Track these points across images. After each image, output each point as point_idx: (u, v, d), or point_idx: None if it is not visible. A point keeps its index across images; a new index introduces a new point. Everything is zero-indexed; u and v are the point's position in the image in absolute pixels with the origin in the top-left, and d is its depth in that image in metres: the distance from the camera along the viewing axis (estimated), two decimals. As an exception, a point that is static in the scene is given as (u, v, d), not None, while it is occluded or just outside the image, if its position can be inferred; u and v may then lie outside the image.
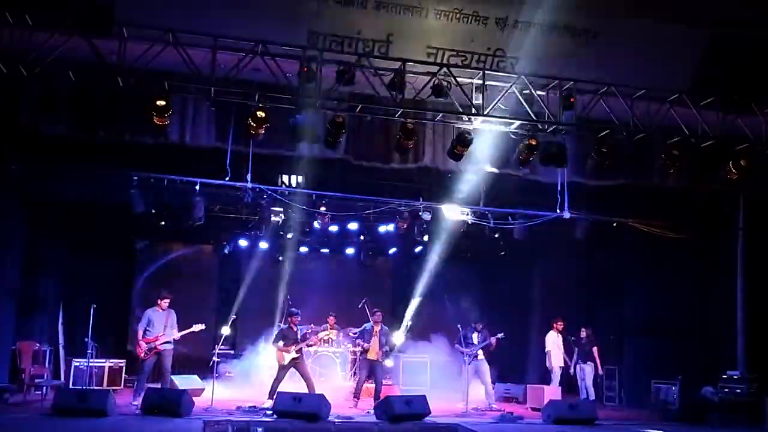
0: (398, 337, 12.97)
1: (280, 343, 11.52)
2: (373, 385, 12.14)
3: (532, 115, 10.25)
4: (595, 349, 13.21)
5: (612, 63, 10.21)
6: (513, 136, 10.65)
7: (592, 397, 13.02)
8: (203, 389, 12.55)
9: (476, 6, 9.80)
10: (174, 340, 11.31)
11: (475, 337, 12.73)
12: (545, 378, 13.99)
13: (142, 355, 11.13)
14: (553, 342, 13.39)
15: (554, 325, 13.48)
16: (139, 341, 11.15)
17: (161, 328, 11.15)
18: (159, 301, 11.39)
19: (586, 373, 13.15)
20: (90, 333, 11.06)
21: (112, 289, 14.81)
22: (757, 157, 10.81)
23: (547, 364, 13.41)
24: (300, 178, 11.98)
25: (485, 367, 12.69)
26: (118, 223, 14.30)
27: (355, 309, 14.75)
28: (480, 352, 12.67)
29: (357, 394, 12.11)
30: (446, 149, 10.61)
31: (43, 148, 10.61)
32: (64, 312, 13.57)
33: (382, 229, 15.10)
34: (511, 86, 10.07)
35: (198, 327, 11.49)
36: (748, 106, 10.24)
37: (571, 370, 13.40)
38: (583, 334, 13.33)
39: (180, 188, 12.23)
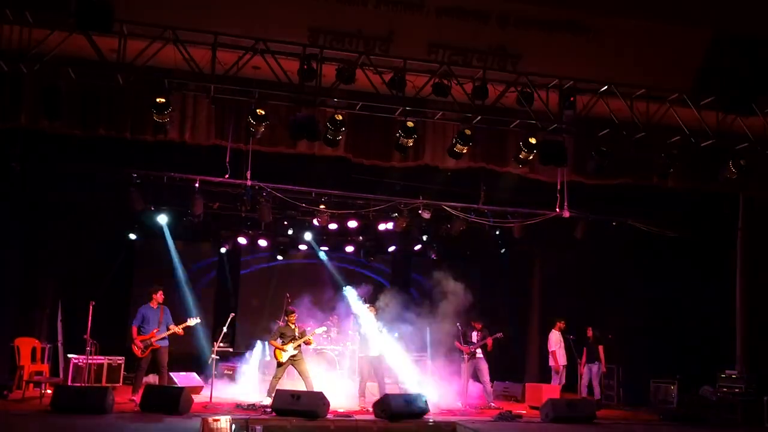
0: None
1: (279, 341, 11.53)
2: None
3: (532, 113, 10.25)
4: (600, 348, 13.22)
5: (613, 62, 10.21)
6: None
7: (598, 395, 13.04)
8: (202, 387, 12.56)
9: (477, 3, 9.79)
10: (176, 335, 11.37)
11: (474, 336, 12.76)
12: (544, 377, 14.01)
13: (139, 352, 11.20)
14: (558, 341, 13.41)
15: (558, 324, 13.50)
16: (135, 339, 11.22)
17: (156, 324, 11.24)
18: (153, 296, 11.47)
19: (593, 372, 13.17)
20: (89, 330, 11.06)
21: (111, 286, 14.79)
22: (757, 157, 10.82)
23: (552, 364, 13.42)
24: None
25: (484, 366, 12.71)
26: (118, 220, 14.29)
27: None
28: (479, 350, 12.69)
29: (362, 393, 12.10)
30: (446, 148, 10.61)
31: (43, 145, 10.61)
32: (63, 309, 13.57)
33: (381, 227, 15.10)
34: (511, 84, 10.07)
35: (193, 321, 11.54)
36: (748, 106, 10.23)
37: (581, 370, 13.38)
38: (590, 333, 13.34)
39: (179, 185, 12.23)
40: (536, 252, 16.58)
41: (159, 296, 11.55)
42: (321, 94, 9.67)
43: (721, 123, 10.57)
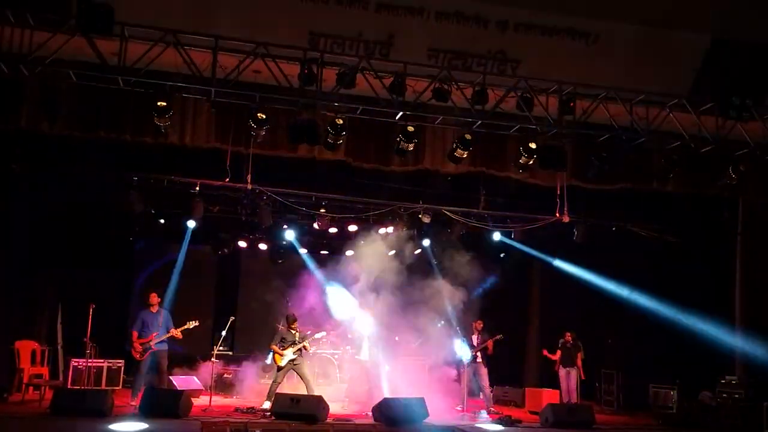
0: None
1: (278, 345, 11.53)
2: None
3: (532, 118, 10.27)
4: (579, 354, 13.11)
5: (612, 67, 10.24)
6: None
7: (574, 400, 12.94)
8: (201, 390, 12.55)
9: (478, 8, 9.82)
10: (175, 338, 11.39)
11: (474, 340, 12.75)
12: (544, 381, 13.99)
13: (138, 356, 11.23)
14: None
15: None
16: (134, 342, 11.24)
17: (155, 327, 11.26)
18: (149, 301, 11.50)
19: (571, 377, 13.07)
20: (89, 333, 11.06)
21: (111, 289, 14.78)
22: (757, 162, 10.83)
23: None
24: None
25: (483, 370, 12.69)
26: (118, 223, 14.29)
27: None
28: (479, 354, 12.67)
29: (348, 395, 12.19)
30: (446, 152, 10.63)
31: (43, 148, 10.62)
32: (63, 311, 13.57)
33: (381, 231, 15.08)
34: (511, 89, 10.09)
35: (192, 324, 11.55)
36: (747, 111, 10.25)
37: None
38: (568, 338, 13.24)
39: (180, 189, 12.24)
40: (536, 256, 16.54)
41: (153, 298, 11.57)
42: (321, 99, 9.69)
43: (721, 128, 10.59)
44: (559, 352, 13.23)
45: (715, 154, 10.80)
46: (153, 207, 13.05)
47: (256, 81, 9.71)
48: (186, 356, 13.97)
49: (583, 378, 13.16)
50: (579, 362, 13.05)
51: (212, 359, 11.67)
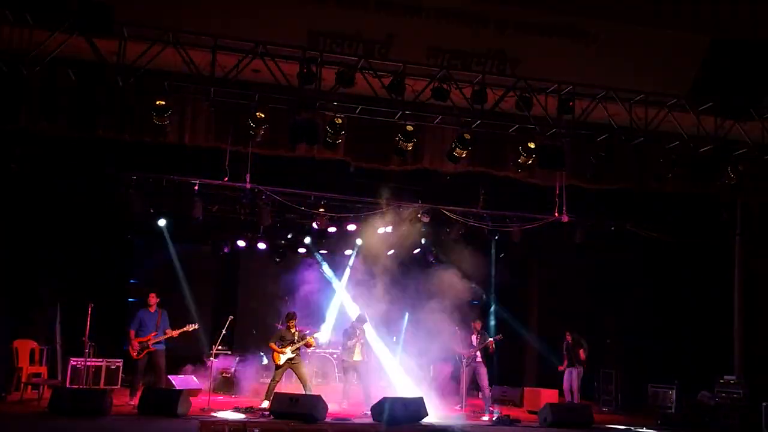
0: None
1: (277, 344, 11.52)
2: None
3: (531, 118, 10.27)
4: (581, 351, 13.12)
5: (611, 67, 10.24)
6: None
7: (577, 400, 12.94)
8: (200, 389, 12.55)
9: (477, 8, 9.83)
10: (172, 338, 11.38)
11: (473, 339, 12.74)
12: (542, 381, 13.99)
13: (135, 355, 11.21)
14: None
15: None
16: (132, 341, 11.22)
17: (153, 327, 11.24)
18: (148, 301, 11.50)
19: (573, 377, 13.07)
20: (87, 332, 11.06)
21: (110, 288, 14.79)
22: (755, 162, 10.84)
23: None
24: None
25: (483, 370, 12.68)
26: (117, 223, 14.30)
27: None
28: (478, 354, 12.66)
29: (345, 395, 12.17)
30: (445, 151, 10.63)
31: (42, 147, 10.62)
32: (61, 311, 13.55)
33: (380, 230, 15.09)
34: (510, 89, 10.09)
35: (191, 327, 11.56)
36: (746, 111, 10.26)
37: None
38: (569, 338, 13.24)
39: (179, 188, 12.24)
40: (535, 256, 16.58)
41: (152, 298, 11.55)
42: (320, 98, 9.69)
43: (720, 128, 10.60)
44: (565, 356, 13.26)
45: (715, 154, 10.80)
46: (152, 207, 13.05)
47: (256, 80, 9.71)
48: (185, 356, 13.98)
49: (583, 358, 13.08)
50: (583, 357, 13.03)
51: (211, 358, 11.66)
